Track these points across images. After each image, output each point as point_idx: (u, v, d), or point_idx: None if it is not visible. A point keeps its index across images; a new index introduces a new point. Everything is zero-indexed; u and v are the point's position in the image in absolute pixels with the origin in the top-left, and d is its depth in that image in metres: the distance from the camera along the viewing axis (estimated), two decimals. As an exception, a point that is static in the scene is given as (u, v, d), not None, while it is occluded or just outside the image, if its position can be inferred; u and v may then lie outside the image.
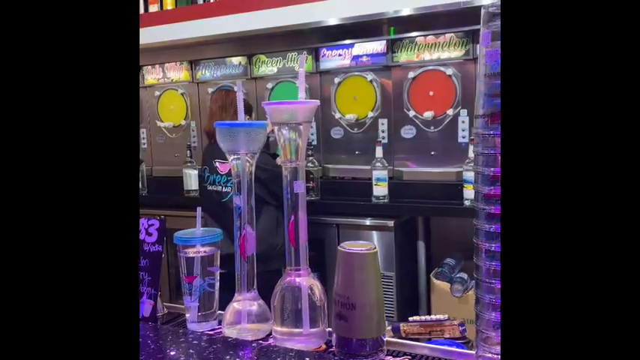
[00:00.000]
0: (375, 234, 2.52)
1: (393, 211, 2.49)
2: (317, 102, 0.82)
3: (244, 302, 0.85)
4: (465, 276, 2.30)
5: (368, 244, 0.74)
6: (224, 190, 2.35)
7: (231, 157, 0.83)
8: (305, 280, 0.79)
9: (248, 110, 2.46)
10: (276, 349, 0.76)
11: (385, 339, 0.74)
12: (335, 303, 0.73)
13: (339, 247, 0.75)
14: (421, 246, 2.53)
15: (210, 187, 2.40)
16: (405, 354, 0.76)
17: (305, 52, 2.90)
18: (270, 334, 0.83)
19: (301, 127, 0.79)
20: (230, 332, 0.84)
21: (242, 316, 0.84)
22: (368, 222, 2.53)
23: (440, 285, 2.32)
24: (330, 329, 0.77)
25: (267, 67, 3.08)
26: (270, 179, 2.20)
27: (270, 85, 3.06)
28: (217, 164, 2.35)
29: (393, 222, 2.45)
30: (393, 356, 0.76)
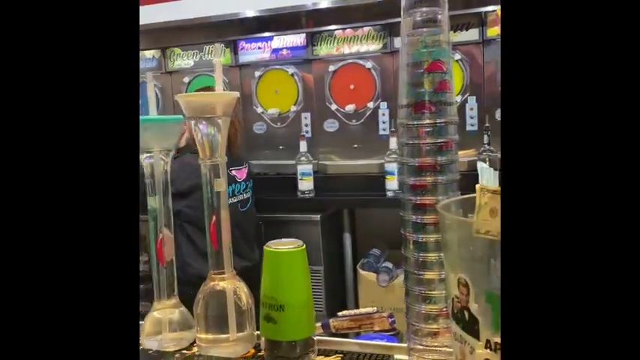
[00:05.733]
0: (301, 229, 2.50)
1: (318, 205, 2.49)
2: (236, 93, 0.78)
3: (164, 310, 0.79)
4: (390, 265, 2.34)
5: (295, 242, 0.71)
6: (245, 197, 2.16)
7: (144, 156, 0.77)
8: (229, 284, 0.74)
9: None
10: (201, 357, 0.72)
11: (316, 338, 0.72)
12: (262, 305, 0.70)
13: (265, 247, 0.71)
14: (347, 238, 2.55)
15: (229, 200, 2.17)
16: (336, 352, 0.74)
17: (222, 44, 2.81)
18: (195, 342, 0.78)
19: (220, 120, 0.74)
20: (150, 344, 0.78)
21: (163, 325, 0.78)
22: (294, 217, 2.51)
23: (366, 276, 2.35)
24: (259, 332, 0.73)
25: (183, 60, 2.96)
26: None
27: (186, 79, 2.95)
28: (234, 172, 2.11)
29: (319, 216, 2.44)
30: (325, 355, 0.74)
